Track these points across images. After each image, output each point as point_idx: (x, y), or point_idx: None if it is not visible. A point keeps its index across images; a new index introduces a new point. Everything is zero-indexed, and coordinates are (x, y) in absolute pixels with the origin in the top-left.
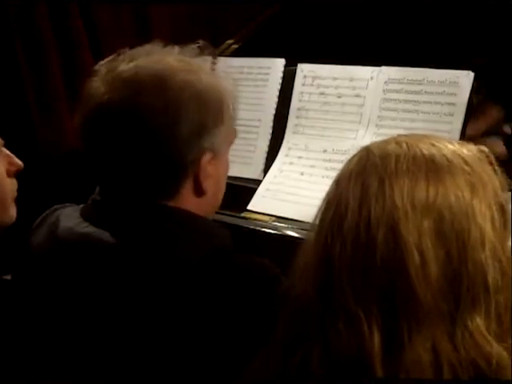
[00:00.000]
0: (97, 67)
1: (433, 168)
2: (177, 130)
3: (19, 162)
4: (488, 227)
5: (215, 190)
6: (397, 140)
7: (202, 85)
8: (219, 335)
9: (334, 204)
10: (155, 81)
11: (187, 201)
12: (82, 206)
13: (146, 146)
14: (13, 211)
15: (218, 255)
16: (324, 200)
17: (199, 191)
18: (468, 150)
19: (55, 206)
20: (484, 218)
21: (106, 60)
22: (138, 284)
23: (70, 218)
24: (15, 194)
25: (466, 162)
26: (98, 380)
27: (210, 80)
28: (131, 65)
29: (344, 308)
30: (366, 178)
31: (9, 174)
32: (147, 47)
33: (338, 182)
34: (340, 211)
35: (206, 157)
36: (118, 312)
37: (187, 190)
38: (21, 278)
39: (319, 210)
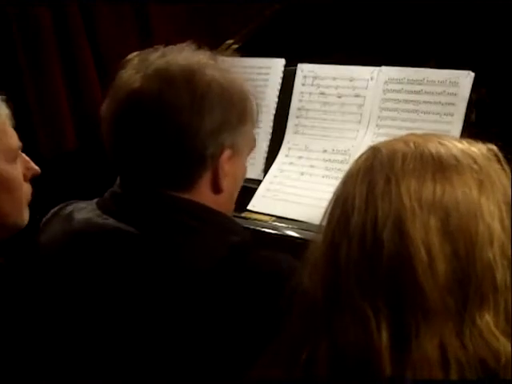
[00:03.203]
0: (129, 57)
1: (440, 167)
2: (201, 122)
3: (36, 167)
4: (496, 225)
5: (231, 190)
6: (405, 139)
7: (229, 84)
8: (238, 332)
9: (340, 202)
10: (185, 75)
11: (205, 196)
12: (95, 200)
13: (169, 135)
14: (26, 215)
15: (237, 251)
16: (332, 198)
17: (216, 188)
18: (477, 149)
19: (65, 203)
20: (492, 216)
21: (138, 52)
22: (157, 276)
23: (85, 210)
24: (29, 198)
25: (474, 161)
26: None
27: (238, 81)
28: (163, 58)
29: (351, 305)
30: (372, 177)
31: (25, 179)
32: (180, 46)
33: (345, 181)
34: (346, 210)
35: (226, 154)
36: (137, 304)
37: (205, 185)
38: (35, 273)
39: (327, 207)
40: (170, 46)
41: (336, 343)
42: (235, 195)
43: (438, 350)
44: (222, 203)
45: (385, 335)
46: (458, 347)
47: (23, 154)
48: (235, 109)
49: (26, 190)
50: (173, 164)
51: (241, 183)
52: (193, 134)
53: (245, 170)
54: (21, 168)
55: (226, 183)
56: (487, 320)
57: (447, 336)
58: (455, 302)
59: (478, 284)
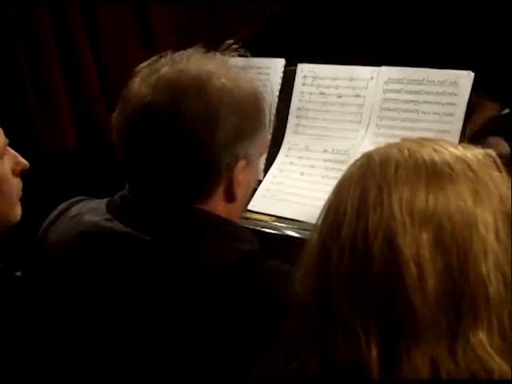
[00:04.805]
0: (138, 68)
1: (434, 175)
2: (215, 134)
3: (24, 162)
4: (491, 237)
5: (243, 198)
6: (399, 145)
7: (241, 92)
8: (248, 341)
9: (333, 209)
10: (196, 85)
11: (217, 205)
12: (105, 200)
13: (183, 149)
14: (18, 210)
15: (247, 261)
16: (325, 204)
17: (230, 197)
18: (473, 155)
19: (70, 200)
20: (487, 227)
21: (147, 62)
22: (167, 283)
23: (94, 213)
24: (20, 193)
25: (470, 168)
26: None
27: (250, 88)
28: (173, 68)
29: (341, 319)
30: (365, 185)
31: (14, 174)
32: (189, 51)
33: (338, 187)
34: (338, 217)
35: (240, 164)
36: (145, 310)
37: (218, 195)
38: (41, 272)
39: (320, 213)
40: (179, 52)
41: (326, 356)
42: (246, 202)
43: (428, 367)
44: (234, 211)
45: (374, 352)
46: (450, 365)
47: (11, 150)
48: (249, 120)
49: (16, 185)
50: (186, 176)
51: (252, 189)
52: (207, 147)
53: (257, 174)
54: (9, 163)
55: (239, 192)
56: (481, 337)
57: (438, 353)
58: (447, 318)
59: (471, 299)
